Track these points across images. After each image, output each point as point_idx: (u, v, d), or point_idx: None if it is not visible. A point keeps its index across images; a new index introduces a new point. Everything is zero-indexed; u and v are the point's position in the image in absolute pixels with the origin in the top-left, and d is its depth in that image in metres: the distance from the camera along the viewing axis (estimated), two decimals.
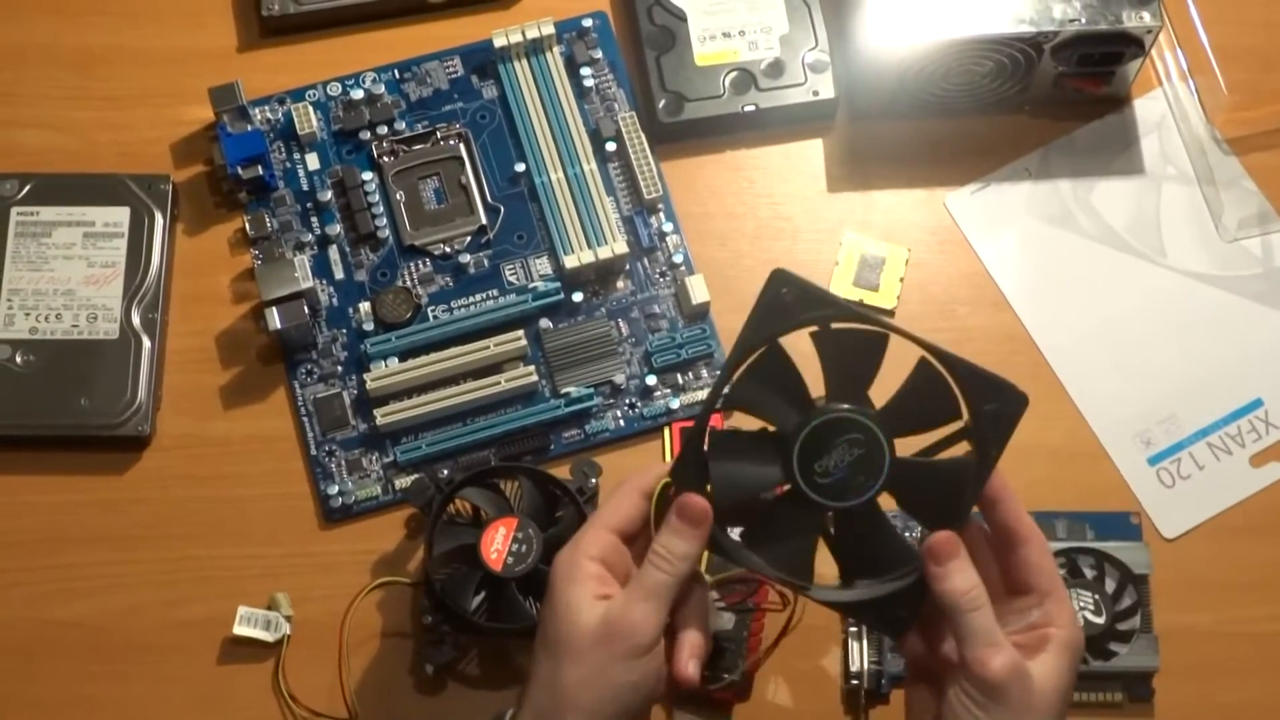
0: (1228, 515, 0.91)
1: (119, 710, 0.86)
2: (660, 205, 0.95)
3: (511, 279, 0.94)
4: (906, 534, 0.83)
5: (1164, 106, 0.99)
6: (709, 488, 0.72)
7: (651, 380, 0.92)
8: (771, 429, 0.71)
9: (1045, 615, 0.71)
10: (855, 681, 0.85)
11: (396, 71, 0.98)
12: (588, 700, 0.69)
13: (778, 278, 0.70)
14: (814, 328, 0.71)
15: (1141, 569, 0.87)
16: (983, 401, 0.70)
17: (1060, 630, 0.71)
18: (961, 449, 0.72)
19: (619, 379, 0.92)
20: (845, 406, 0.70)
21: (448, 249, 0.94)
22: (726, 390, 0.72)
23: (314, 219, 0.95)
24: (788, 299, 0.70)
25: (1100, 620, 0.85)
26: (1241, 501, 0.91)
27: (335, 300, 0.93)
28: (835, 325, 0.71)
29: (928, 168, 0.97)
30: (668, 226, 0.95)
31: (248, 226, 0.94)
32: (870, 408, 0.71)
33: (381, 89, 0.97)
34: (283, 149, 0.96)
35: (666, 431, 0.92)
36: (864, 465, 0.70)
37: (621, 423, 0.91)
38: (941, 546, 0.70)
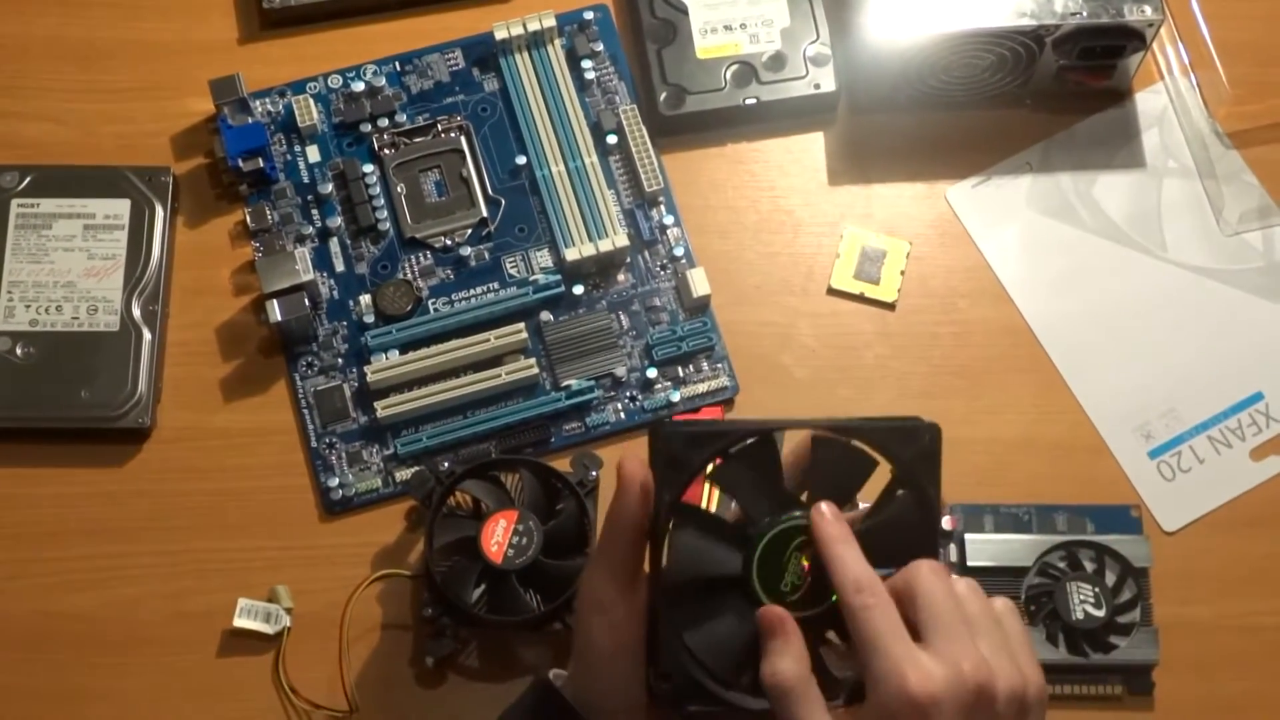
0: (1228, 509, 0.91)
1: (119, 702, 0.86)
2: (661, 198, 0.95)
3: (512, 272, 0.94)
4: None
5: (1165, 100, 0.99)
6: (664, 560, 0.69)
7: (652, 373, 0.92)
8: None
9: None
10: None
11: (397, 64, 0.98)
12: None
13: (658, 433, 0.68)
14: (717, 461, 0.69)
15: (1141, 562, 0.87)
16: (901, 450, 0.69)
17: (865, 708, 0.63)
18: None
19: (620, 372, 0.92)
20: (782, 516, 0.68)
21: (448, 242, 0.94)
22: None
23: (314, 211, 0.95)
24: (678, 449, 0.68)
25: (1100, 613, 0.85)
26: (1242, 495, 0.91)
27: (336, 293, 0.93)
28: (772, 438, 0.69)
29: (929, 161, 0.97)
30: (669, 219, 0.95)
31: (248, 219, 0.94)
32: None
33: (382, 81, 0.97)
34: (283, 141, 0.96)
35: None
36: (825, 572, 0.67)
37: (622, 415, 0.91)
38: (764, 623, 0.66)
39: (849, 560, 0.65)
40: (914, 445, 0.68)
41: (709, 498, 0.72)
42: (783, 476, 0.69)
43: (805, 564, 0.67)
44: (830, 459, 0.69)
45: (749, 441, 0.69)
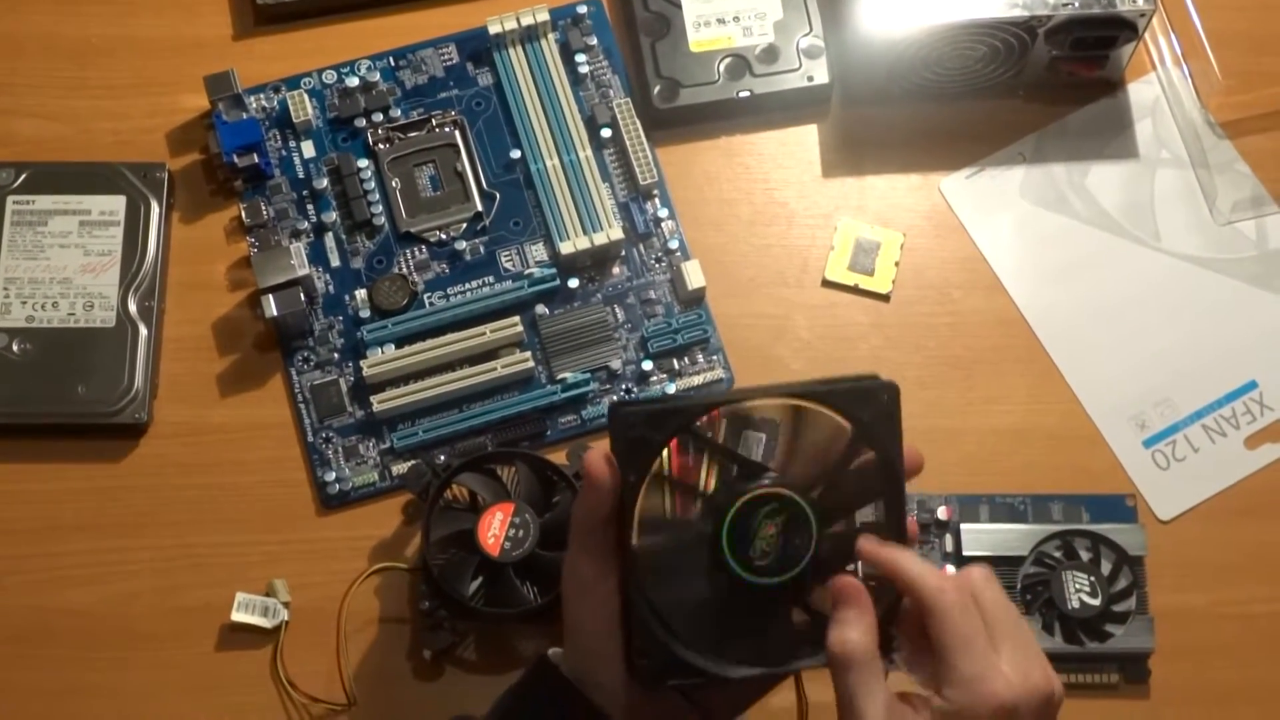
0: (1223, 497, 0.91)
1: (117, 697, 0.86)
2: (656, 191, 0.95)
3: (507, 265, 0.94)
4: None
5: (1158, 90, 0.99)
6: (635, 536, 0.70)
7: (648, 365, 0.92)
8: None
9: (934, 678, 0.66)
10: None
11: (392, 59, 0.98)
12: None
13: (617, 414, 0.68)
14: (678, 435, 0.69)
15: (1137, 551, 0.87)
16: (860, 411, 0.69)
17: (941, 699, 0.65)
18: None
19: (615, 364, 0.92)
20: (754, 484, 0.68)
21: (443, 236, 0.94)
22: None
23: (310, 206, 0.95)
24: (639, 430, 0.68)
25: (1096, 602, 0.86)
26: (1236, 483, 0.91)
27: (331, 287, 0.93)
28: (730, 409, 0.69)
29: (922, 153, 0.98)
30: (663, 212, 0.95)
31: (243, 214, 0.94)
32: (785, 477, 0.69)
33: (377, 76, 0.97)
34: (278, 137, 0.96)
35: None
36: (795, 538, 0.68)
37: None
38: (838, 591, 0.67)
39: (916, 565, 0.67)
40: (872, 406, 0.69)
41: (687, 469, 0.72)
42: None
43: (773, 531, 0.68)
44: (800, 426, 0.70)
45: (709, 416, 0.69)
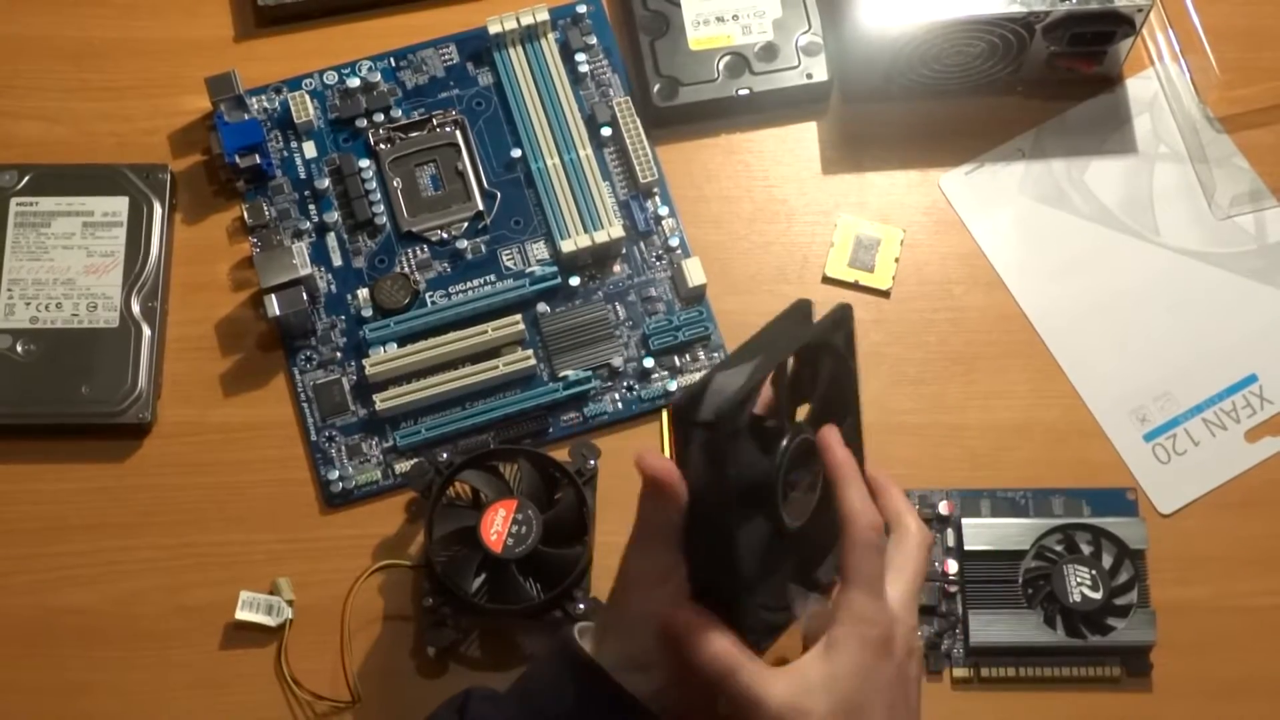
0: (1223, 490, 0.91)
1: (122, 696, 0.87)
2: (656, 189, 0.96)
3: (508, 264, 0.94)
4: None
5: (1156, 86, 0.99)
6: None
7: (649, 363, 0.92)
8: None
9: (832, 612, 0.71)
10: None
11: (392, 59, 0.98)
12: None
13: (700, 421, 0.69)
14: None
15: (1138, 544, 0.88)
16: (836, 340, 0.74)
17: (837, 627, 0.70)
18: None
19: (616, 362, 0.92)
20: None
21: (445, 235, 0.95)
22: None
23: (312, 207, 0.95)
24: (732, 425, 0.69)
25: (1097, 595, 0.86)
26: (1237, 477, 0.91)
27: (334, 287, 0.94)
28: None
29: (922, 149, 0.98)
30: (663, 210, 0.95)
31: (246, 215, 0.95)
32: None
33: (377, 77, 0.97)
34: (280, 138, 0.96)
35: (665, 414, 0.92)
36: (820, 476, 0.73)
37: (619, 405, 0.92)
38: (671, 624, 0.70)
39: (859, 499, 0.71)
40: (843, 329, 0.74)
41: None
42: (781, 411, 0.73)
43: (809, 477, 0.73)
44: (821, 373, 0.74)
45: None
